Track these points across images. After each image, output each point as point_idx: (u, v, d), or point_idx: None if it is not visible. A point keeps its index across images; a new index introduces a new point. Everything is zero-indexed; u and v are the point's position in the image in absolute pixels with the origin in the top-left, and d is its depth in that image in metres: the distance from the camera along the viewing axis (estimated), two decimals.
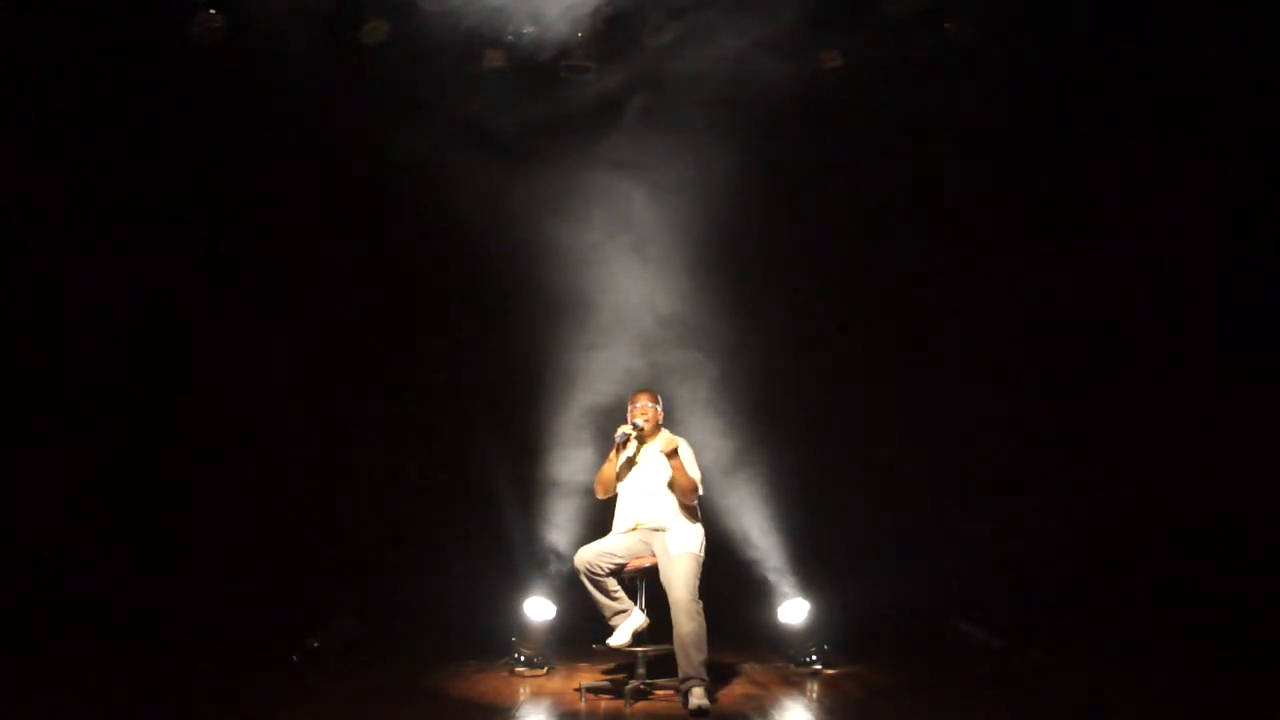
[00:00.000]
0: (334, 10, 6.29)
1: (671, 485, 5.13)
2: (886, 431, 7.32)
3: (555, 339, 7.06)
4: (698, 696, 4.77)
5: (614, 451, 5.31)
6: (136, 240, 7.03)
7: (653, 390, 5.45)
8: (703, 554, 5.10)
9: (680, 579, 4.93)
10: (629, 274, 7.00)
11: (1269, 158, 6.70)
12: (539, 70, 6.67)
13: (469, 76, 6.68)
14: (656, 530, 5.12)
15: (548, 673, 5.73)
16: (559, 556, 6.19)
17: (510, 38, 6.52)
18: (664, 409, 5.41)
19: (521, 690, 5.37)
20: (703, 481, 5.22)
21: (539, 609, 5.82)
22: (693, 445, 5.35)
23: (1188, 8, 6.35)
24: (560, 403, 6.86)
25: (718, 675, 5.34)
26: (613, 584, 5.11)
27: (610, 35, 6.47)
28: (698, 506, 5.21)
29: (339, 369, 7.35)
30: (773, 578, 6.10)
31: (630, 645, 5.08)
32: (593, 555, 5.10)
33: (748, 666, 5.86)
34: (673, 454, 5.10)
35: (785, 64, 6.54)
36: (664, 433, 5.22)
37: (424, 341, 7.46)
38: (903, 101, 6.94)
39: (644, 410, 5.29)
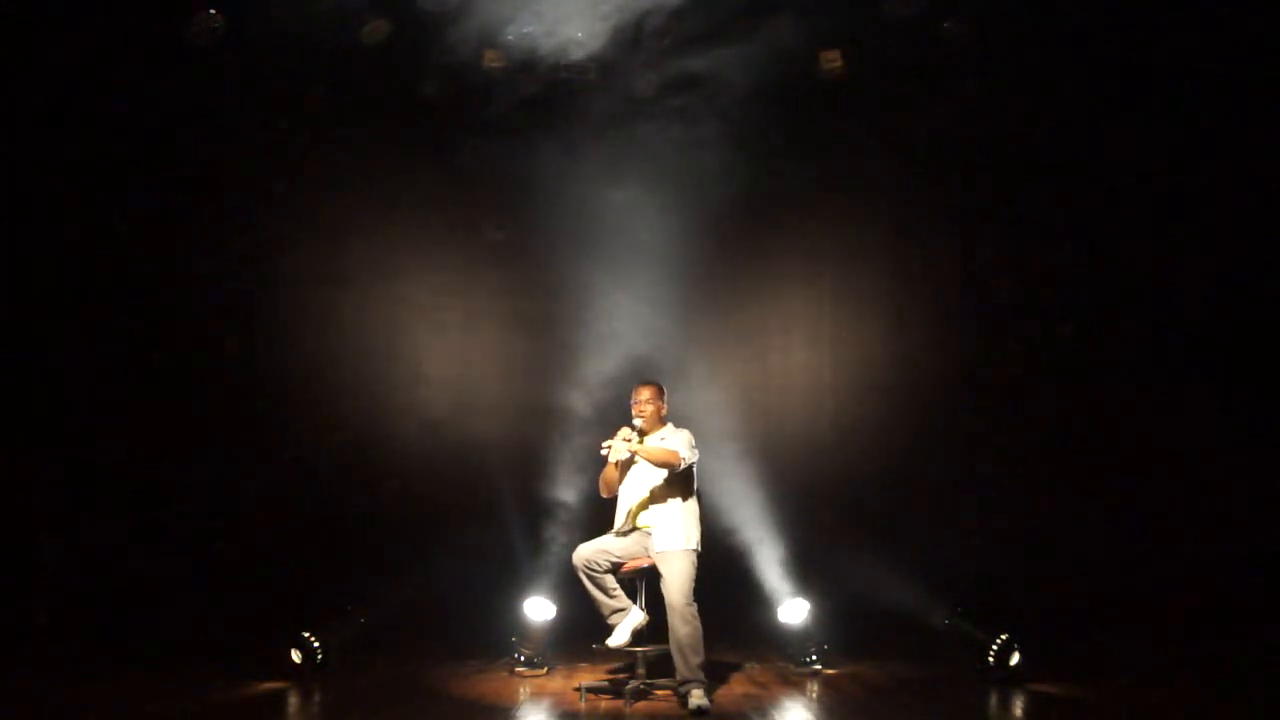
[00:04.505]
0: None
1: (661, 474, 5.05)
2: (887, 431, 7.32)
3: (556, 338, 7.06)
4: (696, 698, 4.77)
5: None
6: (136, 238, 7.03)
7: (655, 383, 5.28)
8: (698, 554, 5.02)
9: (674, 582, 4.90)
10: (629, 273, 6.99)
11: None
12: (539, 70, 6.67)
13: (468, 76, 6.68)
14: (653, 532, 5.10)
15: (548, 673, 5.73)
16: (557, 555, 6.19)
17: (510, 38, 6.52)
18: (667, 402, 5.28)
19: (521, 690, 5.37)
20: (697, 468, 5.10)
21: (539, 609, 5.82)
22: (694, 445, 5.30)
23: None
24: (560, 401, 6.86)
25: (717, 675, 5.33)
26: (611, 582, 5.09)
27: (612, 37, 6.47)
28: (696, 506, 5.13)
29: (338, 368, 7.35)
30: (772, 578, 6.08)
31: (630, 645, 5.07)
32: (590, 552, 5.08)
33: (748, 666, 5.86)
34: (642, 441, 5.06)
35: (783, 65, 6.55)
36: (634, 437, 5.11)
37: (421, 341, 7.44)
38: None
39: (642, 410, 5.19)
